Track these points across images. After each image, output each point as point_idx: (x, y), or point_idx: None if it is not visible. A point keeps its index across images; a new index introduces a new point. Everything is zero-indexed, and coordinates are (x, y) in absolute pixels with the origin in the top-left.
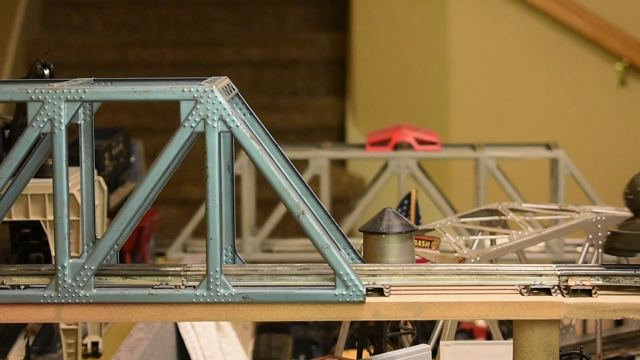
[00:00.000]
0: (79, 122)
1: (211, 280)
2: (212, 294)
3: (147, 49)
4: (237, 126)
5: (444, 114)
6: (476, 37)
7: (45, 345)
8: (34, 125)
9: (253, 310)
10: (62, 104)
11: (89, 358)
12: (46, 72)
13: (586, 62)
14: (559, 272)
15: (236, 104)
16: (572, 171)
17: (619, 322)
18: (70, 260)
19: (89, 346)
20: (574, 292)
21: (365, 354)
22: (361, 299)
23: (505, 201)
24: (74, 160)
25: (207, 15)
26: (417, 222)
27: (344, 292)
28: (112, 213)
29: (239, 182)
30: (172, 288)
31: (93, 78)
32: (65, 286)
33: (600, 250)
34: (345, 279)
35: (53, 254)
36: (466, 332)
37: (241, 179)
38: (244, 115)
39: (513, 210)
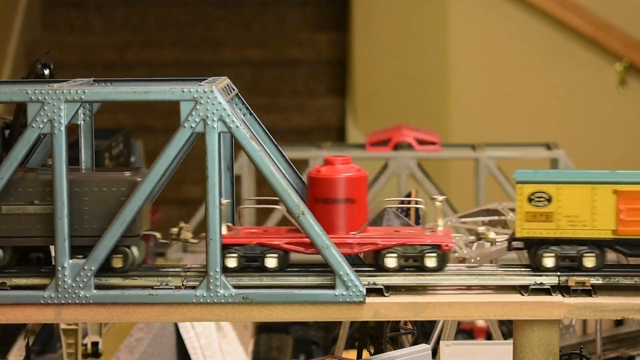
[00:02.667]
0: (79, 123)
1: (211, 280)
2: (212, 294)
3: (147, 49)
4: (237, 126)
5: (444, 114)
6: (476, 37)
7: (45, 345)
8: (34, 125)
9: (253, 310)
10: (61, 104)
11: (89, 358)
12: (46, 72)
13: (586, 62)
14: (558, 272)
15: (236, 104)
16: None
17: (619, 322)
18: (70, 261)
19: (89, 346)
20: (574, 292)
21: (365, 354)
22: (361, 299)
23: (505, 201)
24: (74, 160)
25: (207, 15)
26: (417, 221)
27: (344, 293)
28: None
29: (239, 182)
30: (172, 288)
31: (93, 78)
32: (65, 287)
33: None
34: (345, 279)
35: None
36: (466, 332)
37: (241, 179)
38: (243, 115)
39: (513, 210)
